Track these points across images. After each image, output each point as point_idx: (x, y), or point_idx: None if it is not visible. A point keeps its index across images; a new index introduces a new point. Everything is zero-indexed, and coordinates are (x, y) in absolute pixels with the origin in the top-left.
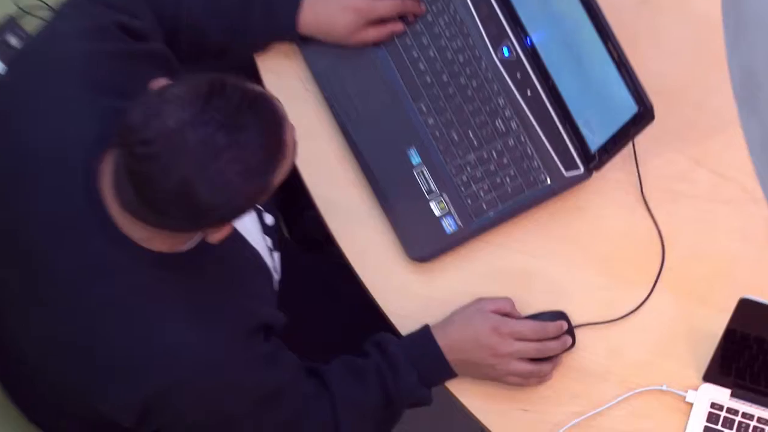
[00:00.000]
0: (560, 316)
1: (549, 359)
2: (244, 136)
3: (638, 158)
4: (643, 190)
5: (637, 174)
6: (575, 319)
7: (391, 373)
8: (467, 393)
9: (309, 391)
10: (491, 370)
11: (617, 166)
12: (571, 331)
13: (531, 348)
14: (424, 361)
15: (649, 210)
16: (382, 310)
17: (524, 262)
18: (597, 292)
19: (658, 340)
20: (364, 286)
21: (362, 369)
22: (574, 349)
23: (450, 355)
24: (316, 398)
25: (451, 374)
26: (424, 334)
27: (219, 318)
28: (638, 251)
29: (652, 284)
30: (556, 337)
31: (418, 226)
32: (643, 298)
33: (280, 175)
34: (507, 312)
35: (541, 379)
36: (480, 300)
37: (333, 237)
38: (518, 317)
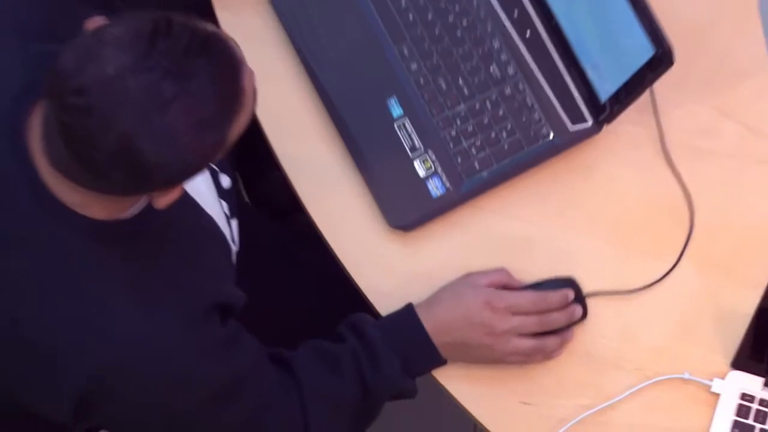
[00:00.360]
0: (567, 283)
1: (555, 332)
2: (195, 83)
3: (657, 108)
4: (666, 146)
5: (656, 127)
6: (585, 289)
7: (369, 359)
8: (458, 383)
9: (273, 381)
10: (488, 351)
11: (631, 119)
12: (581, 299)
13: (531, 322)
14: (408, 345)
15: (673, 168)
16: (358, 286)
17: (523, 231)
18: (608, 265)
19: (680, 321)
20: (338, 258)
21: (335, 355)
22: (583, 331)
23: (438, 338)
24: (281, 389)
25: (439, 361)
26: (408, 314)
27: (166, 297)
28: (657, 217)
29: (672, 255)
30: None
31: (399, 189)
32: (663, 272)
33: (237, 129)
34: (503, 285)
35: (547, 354)
36: (470, 274)
37: (300, 202)
38: (516, 288)
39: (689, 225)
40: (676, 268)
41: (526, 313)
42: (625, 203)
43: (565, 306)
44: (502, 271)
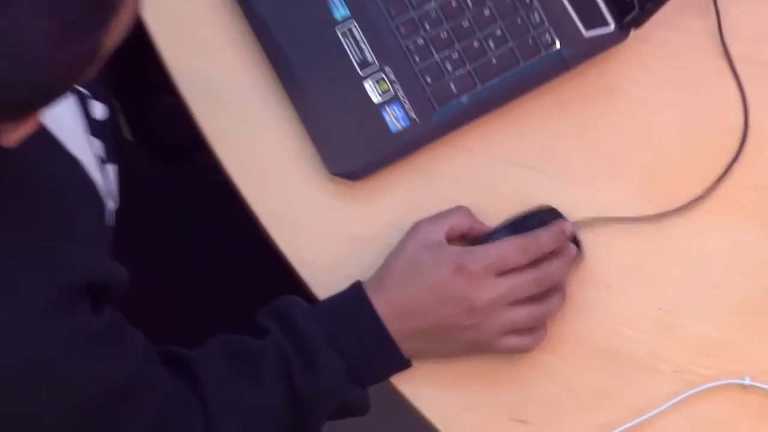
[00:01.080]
0: (550, 214)
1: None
2: None
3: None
4: (730, 54)
5: (706, 33)
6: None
7: (302, 361)
8: (427, 393)
9: (167, 389)
10: (471, 336)
11: (668, 22)
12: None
13: (526, 280)
14: (356, 340)
15: (740, 86)
16: (285, 257)
17: (520, 180)
18: (638, 226)
19: (736, 304)
20: (257, 218)
21: (254, 355)
22: (599, 318)
23: (397, 328)
24: (178, 401)
25: (400, 361)
26: (355, 296)
27: (15, 274)
28: (706, 162)
29: (727, 217)
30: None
31: (344, 122)
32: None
33: (114, 36)
34: (465, 230)
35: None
36: (417, 226)
37: (205, 138)
38: (484, 231)
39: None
40: (731, 231)
41: (516, 269)
42: (661, 141)
43: (561, 243)
44: (459, 209)
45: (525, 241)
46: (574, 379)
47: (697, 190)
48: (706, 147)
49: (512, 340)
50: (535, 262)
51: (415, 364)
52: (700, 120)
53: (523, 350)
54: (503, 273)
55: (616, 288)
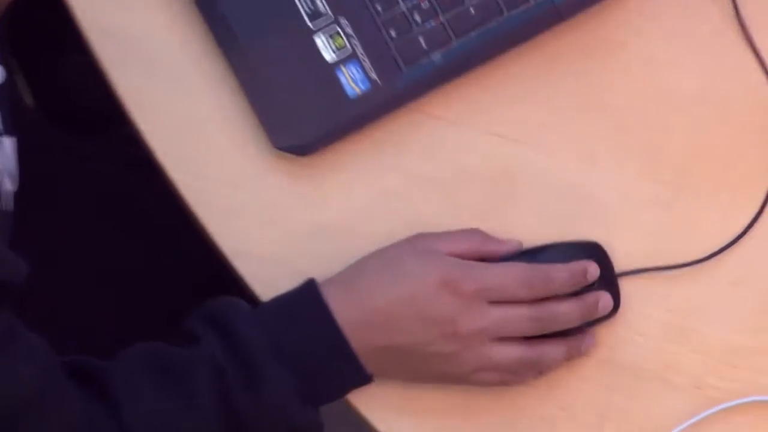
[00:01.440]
0: (585, 251)
1: (560, 335)
2: None
3: None
4: (739, 11)
5: None
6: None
7: (242, 377)
8: (391, 417)
9: (70, 413)
10: (446, 364)
11: None
12: (610, 280)
13: (522, 316)
14: (310, 352)
15: (752, 46)
16: (220, 248)
17: (504, 155)
18: (648, 214)
19: (765, 303)
20: (186, 202)
21: (182, 368)
22: (606, 323)
23: (360, 339)
24: (86, 426)
25: (361, 377)
26: (307, 298)
27: None
28: (732, 132)
29: (753, 198)
30: (578, 292)
31: (291, 87)
32: (739, 227)
33: None
34: (476, 256)
35: (542, 370)
36: (420, 237)
37: (124, 108)
38: (500, 254)
39: None
40: (760, 219)
41: (514, 300)
42: (677, 106)
43: (578, 287)
44: (473, 233)
45: (532, 273)
46: (568, 397)
47: (719, 174)
48: (740, 130)
49: (489, 377)
50: (545, 298)
51: (378, 383)
52: (731, 92)
53: (501, 386)
54: (499, 301)
55: (620, 285)
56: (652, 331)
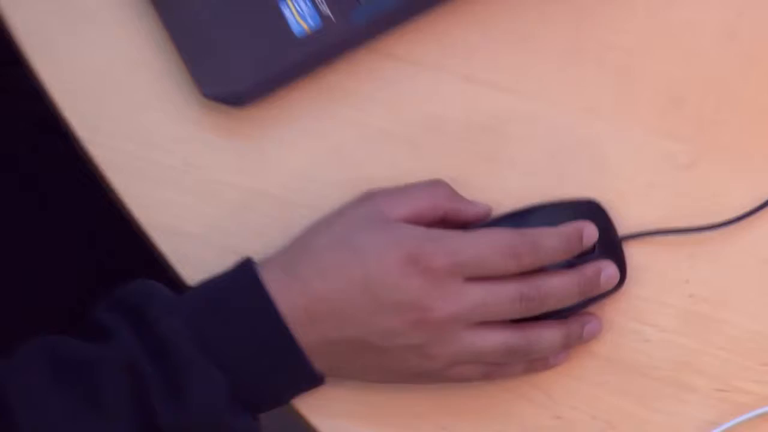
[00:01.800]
0: (583, 211)
1: (556, 315)
2: None
3: None
4: None
5: None
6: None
7: (163, 376)
8: (343, 425)
9: None
10: (418, 359)
11: None
12: (613, 246)
13: (507, 294)
14: (245, 348)
15: None
16: (136, 220)
17: (478, 103)
18: (663, 173)
19: None
20: (95, 164)
21: (91, 367)
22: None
23: (306, 332)
24: None
25: (310, 377)
26: (243, 280)
27: None
28: (762, 78)
29: None
30: (575, 264)
31: (226, 25)
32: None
33: None
34: (443, 215)
35: (534, 364)
36: (368, 195)
37: (20, 50)
38: (475, 217)
39: None
40: None
41: (496, 276)
42: (695, 47)
43: (573, 254)
44: (437, 187)
45: (517, 240)
46: (566, 403)
47: (748, 128)
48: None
49: (470, 370)
50: (535, 272)
51: (332, 381)
52: (751, 15)
53: (484, 380)
54: (477, 278)
55: (628, 267)
56: (665, 321)
